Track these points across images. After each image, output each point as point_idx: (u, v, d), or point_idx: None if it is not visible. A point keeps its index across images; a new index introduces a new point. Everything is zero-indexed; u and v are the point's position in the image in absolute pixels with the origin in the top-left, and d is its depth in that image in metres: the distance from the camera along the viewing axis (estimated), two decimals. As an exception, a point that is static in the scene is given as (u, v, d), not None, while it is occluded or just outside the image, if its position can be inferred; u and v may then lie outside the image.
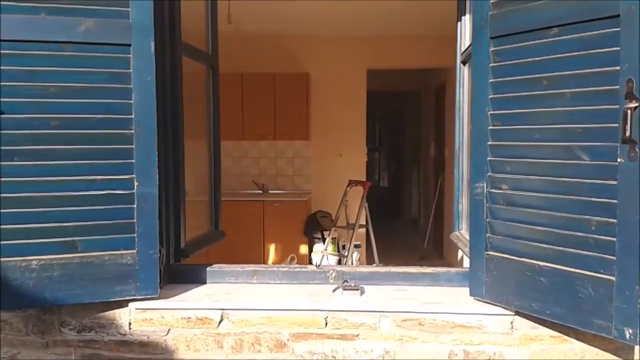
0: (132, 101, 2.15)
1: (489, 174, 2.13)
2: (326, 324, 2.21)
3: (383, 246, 6.60)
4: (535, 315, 2.03)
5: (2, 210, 2.03)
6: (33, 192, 2.07)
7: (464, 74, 2.93)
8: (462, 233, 2.95)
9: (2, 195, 2.03)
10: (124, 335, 2.25)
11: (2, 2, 2.01)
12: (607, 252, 1.76)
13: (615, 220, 1.73)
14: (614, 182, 1.73)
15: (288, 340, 2.22)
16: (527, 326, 2.14)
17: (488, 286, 2.17)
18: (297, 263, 6.34)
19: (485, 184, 2.14)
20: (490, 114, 2.10)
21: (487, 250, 2.15)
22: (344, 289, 2.32)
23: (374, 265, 5.98)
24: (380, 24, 6.58)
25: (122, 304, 2.23)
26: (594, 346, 2.08)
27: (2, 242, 2.04)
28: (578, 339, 2.10)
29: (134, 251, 2.18)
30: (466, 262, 2.43)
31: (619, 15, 1.69)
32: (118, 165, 2.16)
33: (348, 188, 6.07)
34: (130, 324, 2.25)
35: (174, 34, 2.47)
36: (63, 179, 2.11)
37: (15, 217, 2.05)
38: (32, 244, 2.08)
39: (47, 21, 2.07)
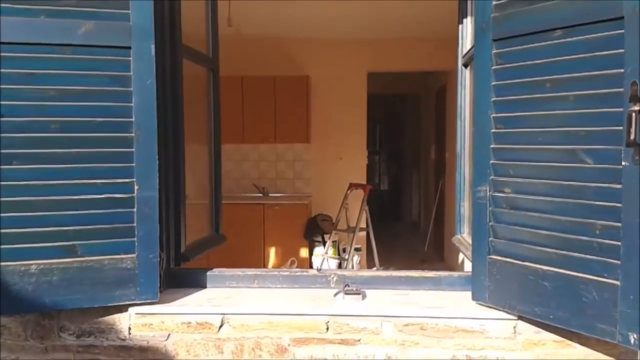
0: (132, 104, 2.14)
1: (491, 177, 2.11)
2: (327, 328, 2.19)
3: (383, 249, 6.59)
4: (539, 319, 2.01)
5: (1, 214, 2.01)
6: (32, 196, 2.06)
7: (465, 76, 2.92)
8: (464, 237, 2.93)
9: (1, 199, 2.01)
10: (124, 340, 2.23)
11: (1, 4, 2.00)
12: (612, 256, 1.75)
13: (619, 224, 1.72)
14: (618, 186, 1.71)
15: (289, 345, 2.21)
16: (530, 331, 2.12)
17: (491, 290, 2.15)
18: (297, 266, 6.36)
19: (488, 188, 2.12)
20: (492, 116, 2.09)
21: (489, 254, 2.14)
22: (346, 294, 2.31)
23: (375, 268, 5.97)
24: (380, 26, 6.58)
25: (122, 308, 2.22)
26: (598, 351, 2.06)
27: (1, 247, 2.02)
28: (581, 344, 2.08)
29: (134, 255, 2.16)
30: (467, 265, 2.42)
31: (623, 17, 1.68)
32: (118, 169, 2.15)
33: (348, 191, 6.07)
34: (130, 328, 2.23)
35: (174, 36, 2.46)
36: (62, 182, 2.09)
37: (14, 221, 2.03)
38: (32, 248, 2.06)
39: (47, 23, 2.06)
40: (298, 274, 2.50)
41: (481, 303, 2.20)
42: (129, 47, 2.13)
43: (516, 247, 2.04)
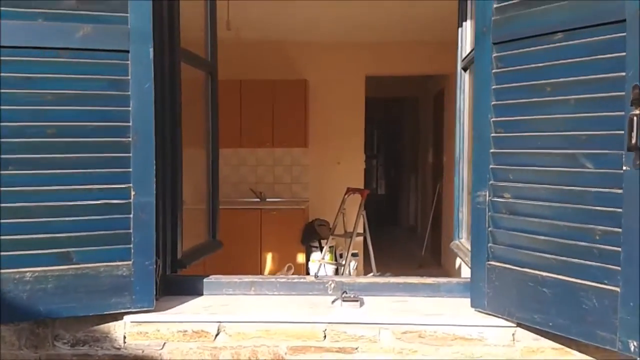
0: (129, 108, 2.12)
1: (491, 182, 2.10)
2: (325, 336, 2.17)
3: (381, 254, 6.57)
4: (538, 327, 1.99)
5: (-5, 221, 1.99)
6: (27, 202, 2.03)
7: (464, 80, 2.91)
8: (462, 242, 2.92)
9: (-4, 205, 1.99)
10: (119, 349, 2.21)
11: (-2, 8, 1.98)
12: (612, 263, 1.73)
13: (620, 230, 1.70)
14: (619, 191, 1.70)
15: (286, 353, 2.18)
16: (529, 338, 2.10)
17: (490, 297, 2.13)
18: (294, 272, 6.33)
19: (487, 193, 2.11)
20: (492, 121, 2.08)
21: (488, 261, 2.12)
22: (343, 300, 2.29)
23: (372, 274, 5.94)
24: (378, 30, 6.57)
25: (117, 316, 2.19)
26: (597, 359, 2.05)
27: (-4, 254, 2.00)
28: (580, 351, 2.06)
29: (130, 262, 2.14)
30: (464, 270, 2.41)
31: (625, 20, 1.67)
32: (115, 174, 2.13)
33: (346, 196, 6.04)
34: (125, 337, 2.20)
35: (173, 40, 2.44)
36: (58, 188, 2.07)
37: (8, 227, 2.01)
38: (26, 255, 2.04)
39: (45, 27, 2.05)
40: (295, 280, 2.47)
41: (480, 310, 2.18)
42: (127, 51, 2.11)
43: (515, 253, 2.03)
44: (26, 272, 2.03)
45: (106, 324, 2.21)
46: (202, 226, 3.05)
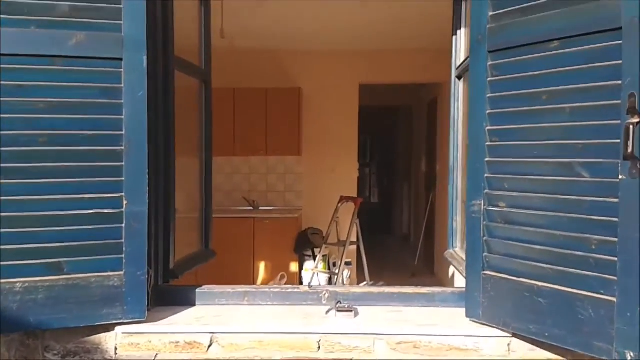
0: (122, 117, 2.11)
1: (486, 191, 2.09)
2: (319, 347, 2.15)
3: (374, 263, 6.54)
4: (534, 337, 1.98)
5: (-15, 230, 1.96)
6: (18, 212, 2.01)
7: (459, 88, 2.91)
8: (456, 251, 2.91)
9: (-14, 214, 1.97)
10: (110, 360, 2.18)
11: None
12: (608, 272, 1.72)
13: (616, 239, 1.70)
14: (615, 200, 1.69)
15: (280, 364, 2.16)
16: (525, 348, 2.09)
17: (485, 307, 2.12)
18: (287, 281, 6.29)
19: (482, 202, 2.10)
20: (487, 129, 2.07)
21: (484, 270, 2.11)
22: (338, 311, 2.27)
23: (365, 283, 5.92)
24: (372, 39, 6.58)
25: (109, 327, 2.16)
26: (594, 369, 2.03)
27: (-15, 264, 1.97)
28: (577, 362, 2.05)
29: (122, 273, 2.11)
30: (457, 279, 2.39)
31: (621, 28, 1.67)
32: (107, 183, 2.11)
33: (339, 204, 6.02)
34: (116, 348, 2.17)
35: (167, 48, 2.43)
36: (49, 197, 2.05)
37: (-2, 237, 1.98)
38: (16, 265, 2.01)
39: (38, 35, 2.04)
40: (289, 290, 2.45)
41: (475, 320, 2.16)
42: (121, 59, 2.10)
43: (511, 263, 2.02)
44: (16, 282, 2.01)
45: (97, 335, 2.18)
46: (194, 235, 3.02)
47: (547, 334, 1.91)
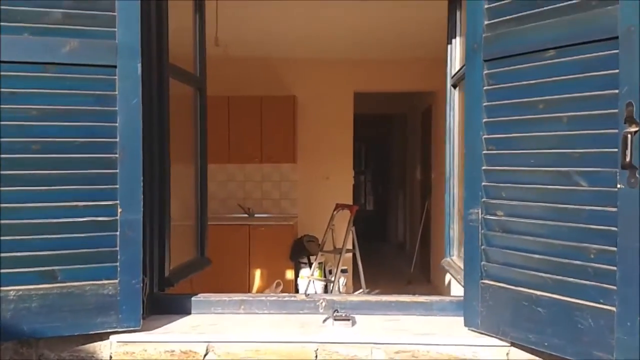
0: (116, 124, 2.09)
1: (483, 199, 2.08)
2: (316, 356, 2.13)
3: (370, 271, 6.52)
4: (533, 346, 1.96)
5: (-23, 238, 1.94)
6: (11, 219, 1.99)
7: (454, 97, 2.90)
8: (453, 259, 2.89)
9: (-22, 222, 1.94)
10: (105, 369, 2.15)
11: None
12: (607, 282, 1.71)
13: (615, 249, 1.68)
14: (614, 209, 1.68)
15: (277, 373, 2.14)
16: (524, 358, 2.07)
17: (483, 316, 2.10)
18: (283, 288, 6.27)
19: (480, 210, 2.09)
20: (484, 138, 2.06)
21: (482, 279, 2.09)
22: (335, 319, 2.25)
23: (361, 290, 5.90)
24: (367, 47, 6.60)
25: (103, 336, 2.14)
26: (593, 378, 2.02)
27: (-23, 272, 1.94)
28: (576, 371, 2.03)
29: (116, 281, 2.09)
30: (454, 287, 2.37)
31: (617, 37, 1.66)
32: (101, 191, 2.09)
33: (335, 212, 6.01)
34: (111, 357, 2.15)
35: (161, 55, 2.42)
36: (43, 205, 2.03)
37: (-9, 245, 1.95)
38: (10, 273, 1.99)
39: (31, 42, 2.02)
40: (286, 299, 2.43)
41: (473, 329, 2.15)
42: (115, 66, 2.09)
43: (509, 272, 2.00)
44: (10, 290, 1.99)
45: (92, 344, 2.16)
46: (190, 243, 3.00)
47: (546, 344, 1.89)
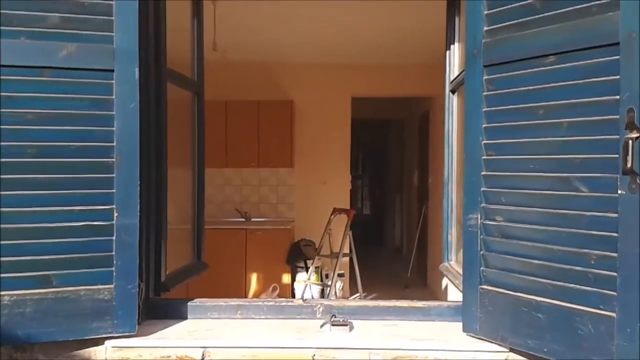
0: (113, 128, 2.07)
1: (482, 205, 2.07)
2: (314, 362, 2.11)
3: (366, 275, 6.52)
4: (532, 352, 1.95)
5: (-28, 243, 1.92)
6: (6, 224, 1.97)
7: (453, 102, 2.90)
8: (451, 264, 2.89)
9: (-27, 226, 1.93)
10: (100, 374, 2.13)
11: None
12: (608, 288, 1.70)
13: (615, 254, 1.67)
14: (614, 215, 1.67)
15: (274, 379, 2.12)
16: (523, 363, 2.06)
17: (482, 322, 2.09)
18: (279, 292, 6.26)
19: (479, 215, 2.08)
20: (484, 143, 2.05)
21: (481, 285, 2.08)
22: (332, 325, 2.24)
23: (358, 295, 5.89)
24: (364, 52, 6.61)
25: (98, 341, 2.12)
26: (592, 385, 2.01)
27: (-28, 277, 1.92)
28: (576, 378, 2.02)
29: (112, 286, 2.07)
30: (451, 291, 2.36)
31: (618, 43, 1.65)
32: (97, 195, 2.07)
33: (332, 216, 6.01)
34: (106, 362, 2.13)
35: (159, 59, 2.41)
36: (39, 209, 2.01)
37: (-14, 249, 1.94)
38: (5, 278, 1.96)
39: (28, 45, 2.00)
40: (283, 304, 2.42)
41: (472, 335, 2.13)
42: (112, 70, 2.07)
43: (509, 277, 1.99)
44: (4, 295, 1.96)
45: (87, 349, 2.13)
46: (186, 247, 2.98)
47: (545, 349, 1.88)
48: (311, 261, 6.27)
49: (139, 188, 2.10)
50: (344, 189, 7.45)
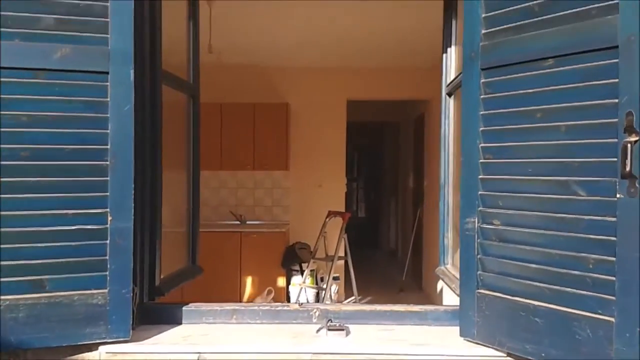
0: (108, 131, 2.06)
1: (480, 208, 2.06)
2: (310, 367, 2.10)
3: (361, 278, 6.50)
4: (529, 357, 1.93)
5: (-36, 247, 1.90)
6: (-1, 227, 1.94)
7: (449, 105, 2.89)
8: (448, 268, 2.87)
9: (-35, 230, 1.90)
10: (94, 380, 2.11)
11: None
12: (606, 292, 1.69)
13: (614, 259, 1.66)
14: (613, 219, 1.66)
15: (270, 384, 2.10)
16: (521, 368, 2.05)
17: (479, 326, 2.08)
18: (274, 296, 6.23)
19: (476, 219, 2.07)
20: (481, 146, 2.04)
21: (478, 289, 2.07)
22: (329, 329, 2.22)
23: (353, 298, 5.88)
24: (360, 55, 6.61)
25: (92, 347, 2.09)
26: (590, 390, 2.00)
27: (-37, 281, 1.90)
28: (573, 382, 2.01)
29: (106, 291, 2.05)
30: (446, 294, 2.35)
31: (617, 47, 1.65)
32: (91, 199, 2.05)
33: (327, 219, 6.00)
34: (100, 368, 2.11)
35: (154, 62, 2.39)
36: (32, 213, 1.99)
37: (-22, 253, 1.91)
38: (-3, 283, 1.94)
39: (22, 47, 1.99)
40: (279, 308, 2.40)
41: (469, 339, 2.12)
42: (107, 72, 2.06)
43: (506, 282, 1.98)
44: (-4, 301, 1.94)
45: (80, 355, 2.11)
46: (181, 251, 2.96)
47: (543, 354, 1.87)
48: (306, 264, 6.25)
49: (133, 191, 2.08)
50: (339, 192, 7.44)
